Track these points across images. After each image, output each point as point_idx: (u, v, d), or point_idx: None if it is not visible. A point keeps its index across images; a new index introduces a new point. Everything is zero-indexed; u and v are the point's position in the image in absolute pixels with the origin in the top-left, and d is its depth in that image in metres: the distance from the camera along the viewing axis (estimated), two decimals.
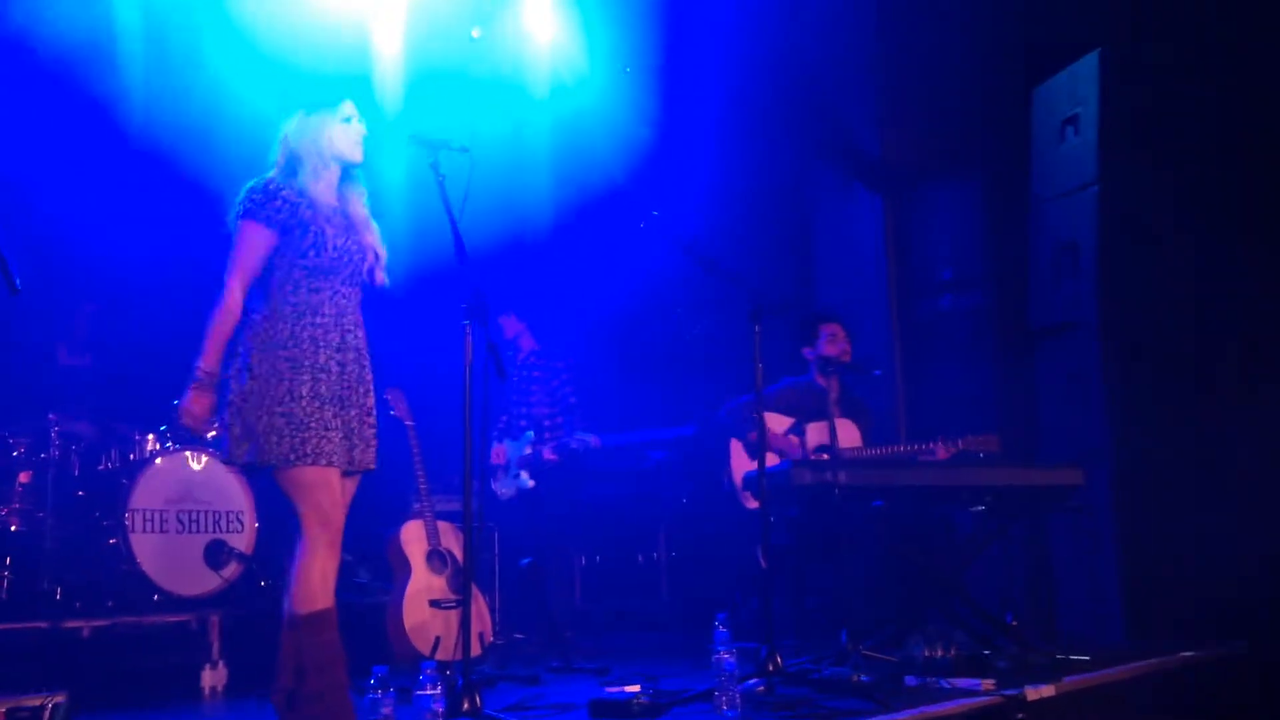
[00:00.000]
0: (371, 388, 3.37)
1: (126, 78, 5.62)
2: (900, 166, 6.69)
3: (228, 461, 3.25)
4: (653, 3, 6.54)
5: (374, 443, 3.34)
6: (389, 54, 6.15)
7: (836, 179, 7.09)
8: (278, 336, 3.20)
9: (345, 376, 3.26)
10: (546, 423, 5.63)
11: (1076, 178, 5.45)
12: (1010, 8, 5.98)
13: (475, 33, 6.60)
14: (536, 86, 6.74)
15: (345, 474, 3.29)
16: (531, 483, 5.60)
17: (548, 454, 5.57)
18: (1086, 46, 5.45)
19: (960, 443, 4.77)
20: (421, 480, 4.91)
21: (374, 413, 3.36)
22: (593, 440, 5.61)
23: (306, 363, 3.20)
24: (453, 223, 3.35)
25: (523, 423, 5.71)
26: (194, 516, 5.01)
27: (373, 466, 3.34)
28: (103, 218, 5.63)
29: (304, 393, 3.17)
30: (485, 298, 3.31)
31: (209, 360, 3.18)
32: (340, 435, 3.21)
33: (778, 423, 5.19)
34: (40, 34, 5.26)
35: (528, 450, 5.62)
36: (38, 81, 5.35)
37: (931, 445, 4.85)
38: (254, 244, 3.22)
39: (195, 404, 3.18)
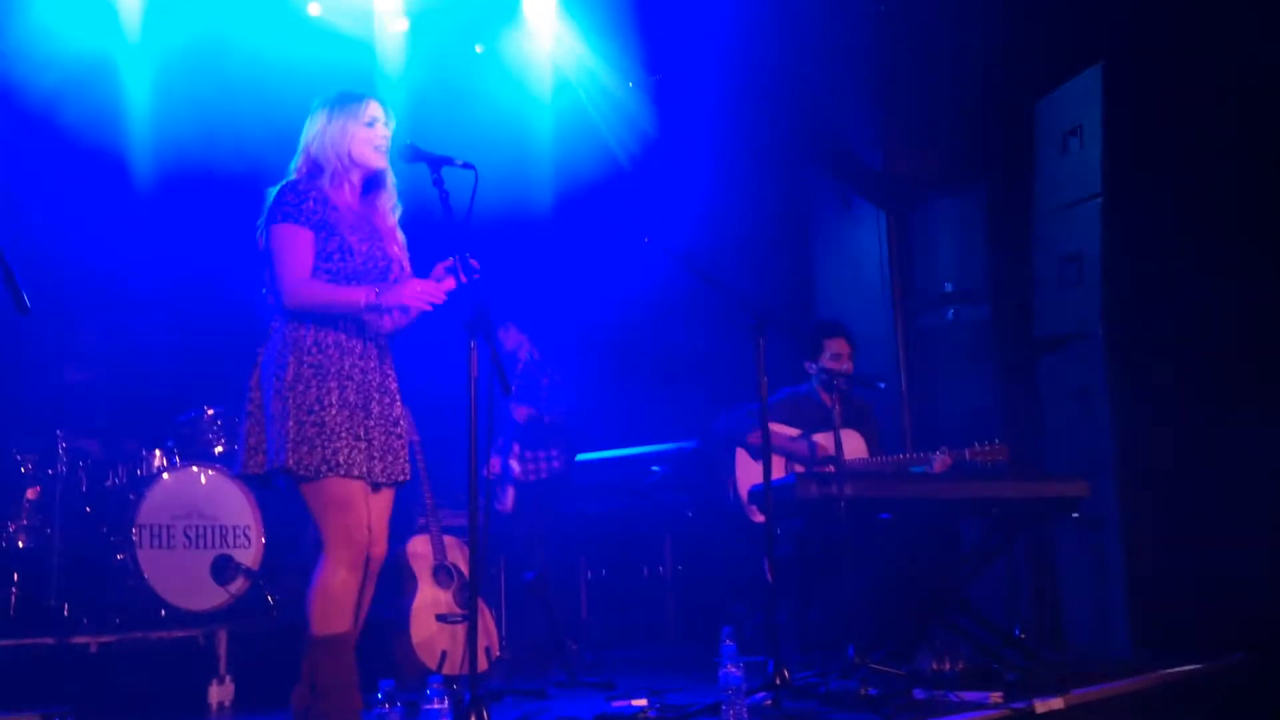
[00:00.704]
0: (397, 397, 3.29)
1: (128, 99, 5.65)
2: (902, 179, 6.70)
3: (240, 474, 3.18)
4: (654, 19, 6.57)
5: (403, 453, 3.26)
6: (390, 69, 6.20)
7: (838, 191, 7.10)
8: (303, 342, 3.13)
9: (367, 385, 3.20)
10: (522, 406, 5.64)
11: (1080, 189, 5.46)
12: (1012, 20, 6.00)
13: (479, 49, 6.66)
14: (539, 100, 6.79)
15: (376, 487, 3.22)
16: (518, 467, 5.60)
17: (519, 412, 5.58)
18: (1089, 59, 5.47)
19: (968, 452, 4.75)
20: (427, 495, 4.92)
21: (400, 422, 3.28)
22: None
23: (332, 369, 3.13)
24: (456, 238, 3.34)
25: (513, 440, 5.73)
26: (201, 532, 5.01)
27: (404, 478, 3.26)
28: (105, 235, 5.67)
29: (333, 400, 3.10)
30: (490, 313, 3.29)
31: (362, 293, 3.10)
32: (367, 445, 3.15)
33: (783, 431, 5.19)
34: (43, 49, 5.30)
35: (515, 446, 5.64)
36: (38, 101, 5.38)
37: (930, 455, 4.84)
38: (297, 244, 3.13)
39: (410, 289, 3.12)
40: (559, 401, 5.71)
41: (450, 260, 3.25)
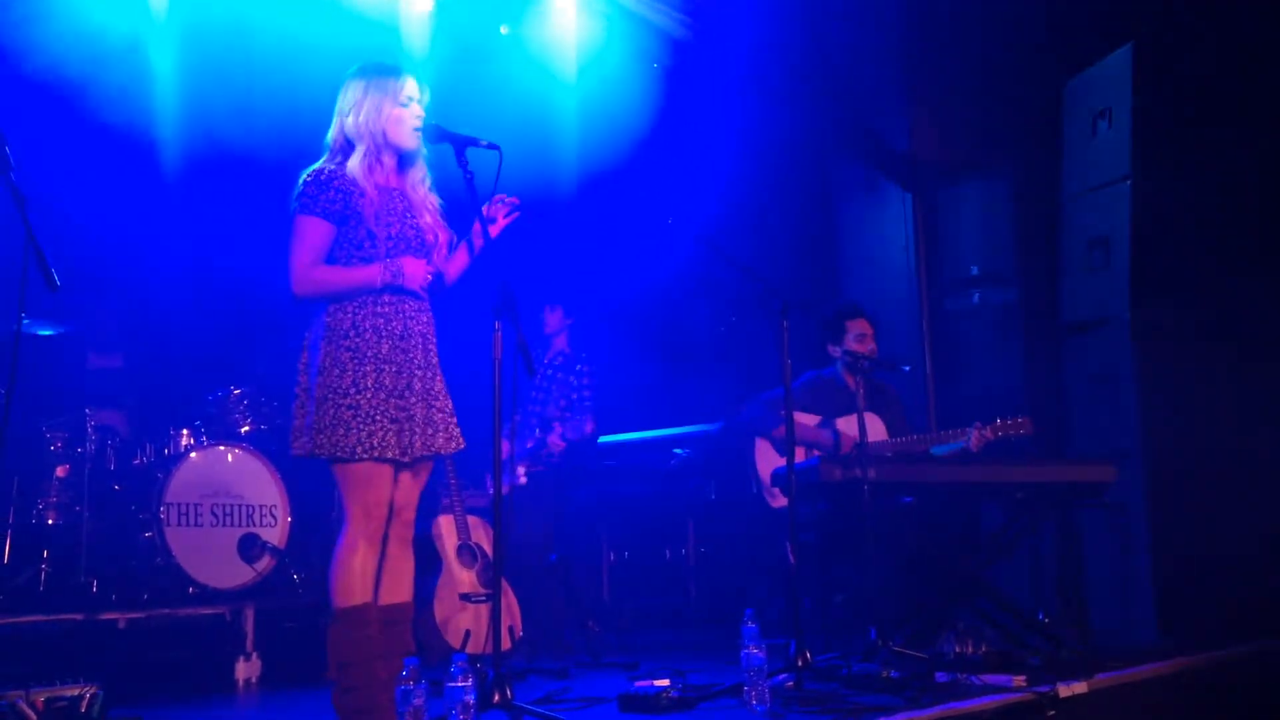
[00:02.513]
0: (439, 371, 3.32)
1: (152, 80, 5.68)
2: (929, 162, 6.65)
3: (292, 455, 3.23)
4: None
5: (445, 426, 3.28)
6: (415, 49, 6.19)
7: (863, 173, 7.06)
8: (341, 326, 3.18)
9: (410, 364, 3.22)
10: (557, 426, 5.62)
11: (1109, 172, 5.41)
12: (1041, 1, 5.93)
13: (504, 30, 6.64)
14: (562, 86, 6.78)
15: (413, 462, 3.24)
16: (524, 480, 5.56)
17: (554, 439, 5.53)
18: (1119, 39, 5.40)
19: (990, 429, 4.73)
20: (451, 475, 4.94)
21: (444, 395, 3.30)
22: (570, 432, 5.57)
23: (369, 353, 3.16)
24: (481, 219, 3.35)
25: (533, 421, 5.71)
26: (227, 510, 5.06)
27: (447, 450, 3.29)
28: (133, 214, 5.71)
29: (369, 384, 3.14)
30: (514, 294, 3.29)
31: (377, 272, 3.17)
32: (402, 428, 3.17)
33: (805, 420, 5.18)
34: (69, 32, 5.32)
35: (529, 444, 5.60)
36: (59, 86, 5.40)
37: (966, 430, 4.80)
38: (311, 238, 3.18)
39: (409, 269, 3.21)
40: (580, 413, 5.68)
41: (475, 225, 3.31)
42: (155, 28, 5.63)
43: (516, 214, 3.36)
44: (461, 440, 3.33)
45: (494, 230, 3.34)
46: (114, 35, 5.47)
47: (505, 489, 5.60)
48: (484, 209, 3.34)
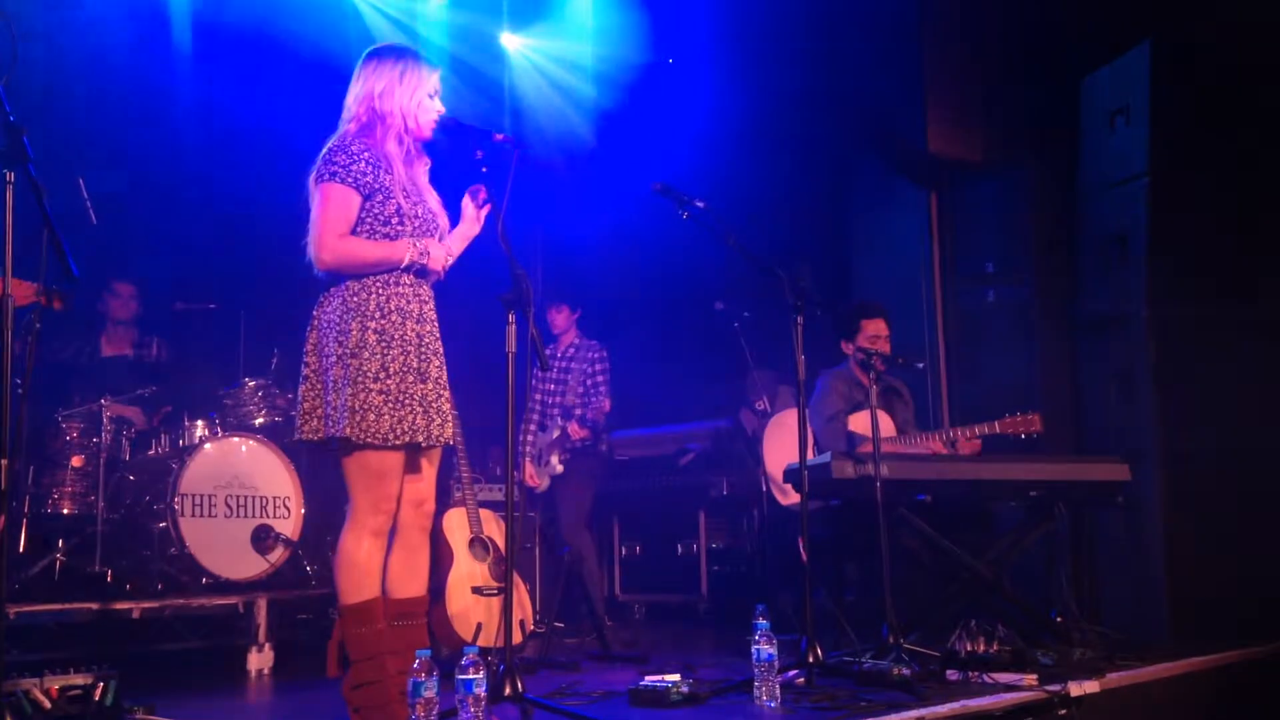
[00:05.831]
0: (444, 360, 3.27)
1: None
2: (945, 158, 6.62)
3: (297, 439, 3.17)
4: None
5: (450, 417, 3.25)
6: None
7: (880, 170, 7.04)
8: (365, 307, 3.12)
9: (424, 349, 3.18)
10: (577, 411, 5.64)
11: (1126, 169, 5.38)
12: None
13: (513, 37, 6.66)
14: (580, 83, 6.79)
15: (429, 449, 3.22)
16: (560, 468, 5.59)
17: (573, 428, 5.55)
18: (1137, 36, 5.37)
19: (999, 424, 4.70)
20: (464, 468, 4.95)
21: (448, 386, 3.26)
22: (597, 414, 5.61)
23: (395, 335, 3.12)
24: (497, 213, 3.34)
25: (555, 412, 5.72)
26: (241, 502, 5.08)
27: (452, 441, 3.26)
28: (156, 202, 5.74)
29: (396, 368, 3.10)
30: (528, 287, 3.28)
31: (404, 248, 3.14)
32: (425, 409, 3.14)
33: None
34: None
35: (555, 434, 5.62)
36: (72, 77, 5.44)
37: (951, 433, 4.79)
38: (341, 206, 3.10)
39: (434, 250, 3.22)
40: (597, 396, 5.69)
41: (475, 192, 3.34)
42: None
43: (489, 206, 3.35)
44: (456, 434, 3.32)
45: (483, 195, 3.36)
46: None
47: (546, 483, 5.68)
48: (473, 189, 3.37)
